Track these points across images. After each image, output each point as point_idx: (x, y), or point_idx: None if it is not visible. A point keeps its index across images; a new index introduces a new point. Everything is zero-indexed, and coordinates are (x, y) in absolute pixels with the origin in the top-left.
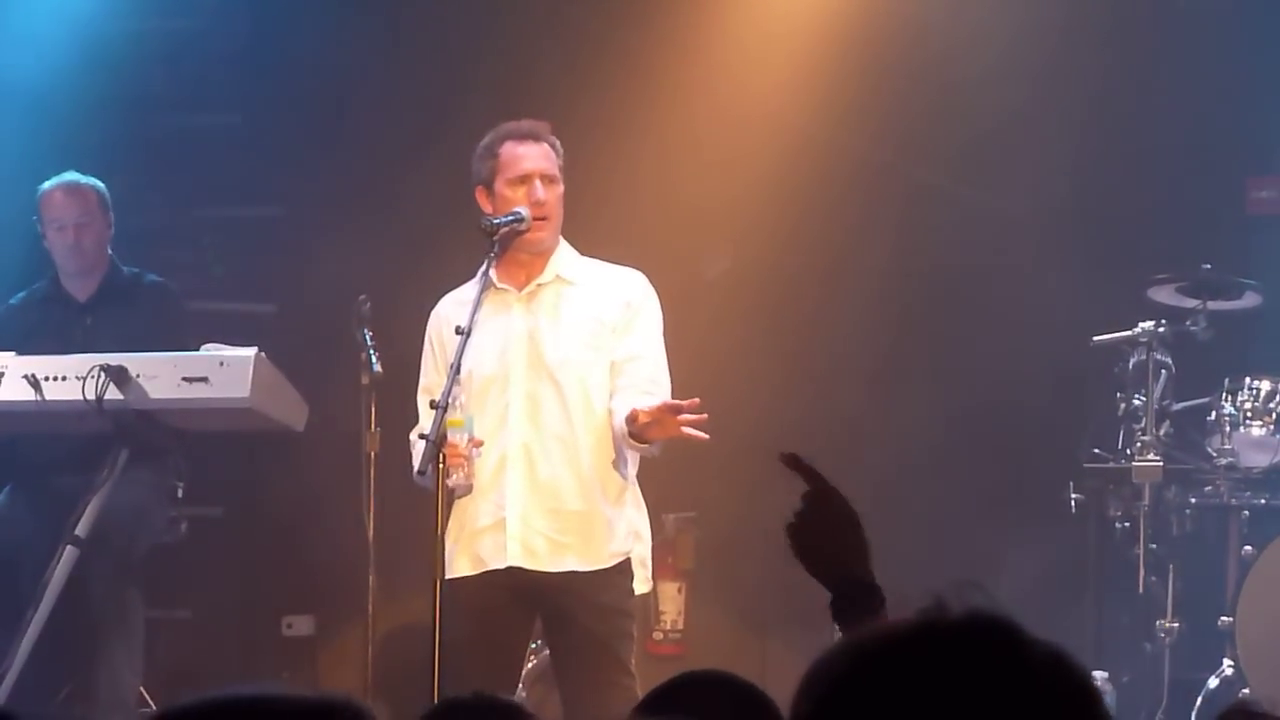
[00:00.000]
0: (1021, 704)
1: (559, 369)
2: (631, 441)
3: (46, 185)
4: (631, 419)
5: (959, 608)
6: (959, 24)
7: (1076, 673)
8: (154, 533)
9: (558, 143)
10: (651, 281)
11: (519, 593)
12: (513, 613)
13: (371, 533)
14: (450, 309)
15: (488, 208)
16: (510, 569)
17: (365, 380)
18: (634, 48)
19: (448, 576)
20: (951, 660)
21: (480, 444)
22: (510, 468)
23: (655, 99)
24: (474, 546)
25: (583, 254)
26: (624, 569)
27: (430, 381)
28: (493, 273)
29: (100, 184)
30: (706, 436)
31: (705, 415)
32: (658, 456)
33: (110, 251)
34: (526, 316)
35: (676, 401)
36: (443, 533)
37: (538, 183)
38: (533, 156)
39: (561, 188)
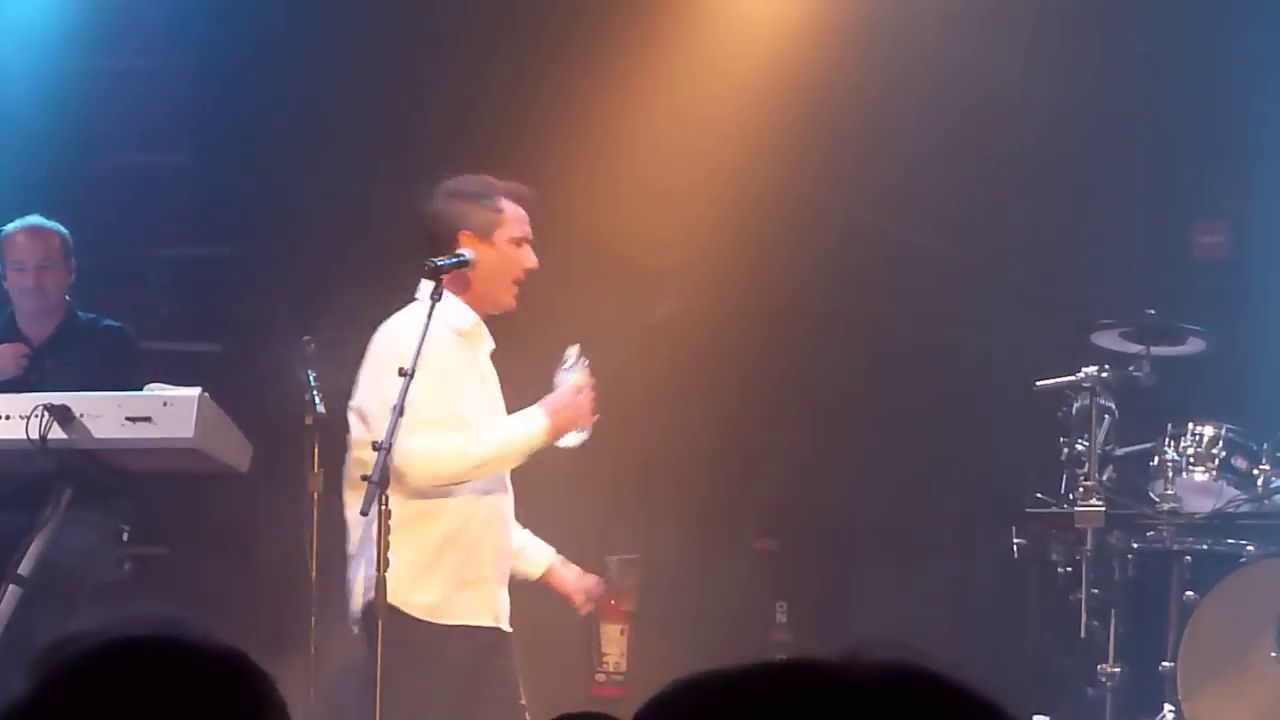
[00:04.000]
0: None
1: None
2: None
3: (9, 227)
4: None
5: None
6: (899, 68)
7: None
8: (100, 572)
9: None
10: (598, 324)
11: (502, 652)
12: (508, 672)
13: (314, 573)
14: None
15: (484, 261)
16: (494, 629)
17: (309, 421)
18: (576, 89)
19: (445, 621)
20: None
21: (589, 387)
22: (499, 525)
23: (598, 140)
24: (479, 593)
25: (526, 297)
26: None
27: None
28: (465, 314)
29: (64, 229)
30: None
31: None
32: None
33: (69, 297)
34: (491, 370)
35: None
36: (384, 571)
37: (528, 247)
38: (528, 221)
39: None
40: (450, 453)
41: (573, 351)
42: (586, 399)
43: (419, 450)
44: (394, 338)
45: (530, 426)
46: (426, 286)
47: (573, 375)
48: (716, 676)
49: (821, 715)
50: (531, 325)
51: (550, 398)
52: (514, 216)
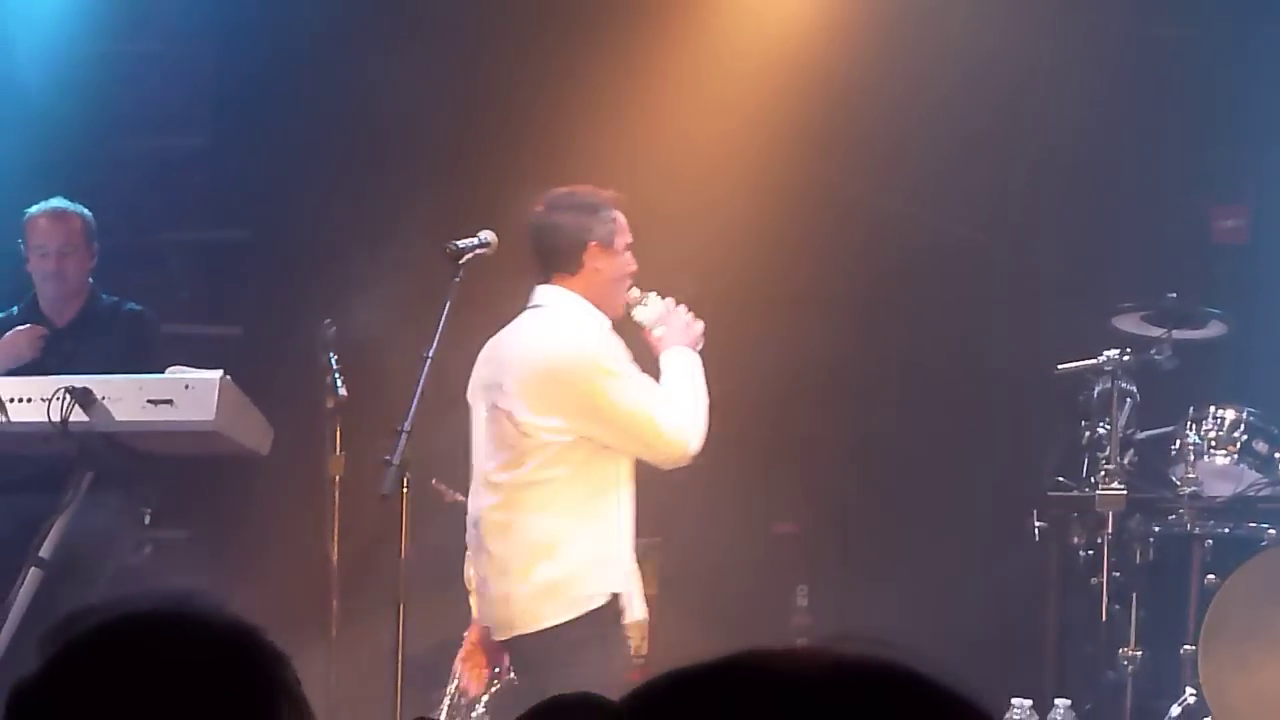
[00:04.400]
0: None
1: None
2: None
3: (32, 210)
4: None
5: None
6: (923, 53)
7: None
8: (120, 556)
9: None
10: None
11: None
12: None
13: (335, 557)
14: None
15: (609, 269)
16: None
17: (330, 404)
18: (600, 77)
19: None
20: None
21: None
22: None
23: (621, 128)
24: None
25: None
26: None
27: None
28: (606, 321)
29: (87, 212)
30: None
31: None
32: None
33: (91, 279)
34: None
35: None
36: (406, 555)
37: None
38: None
39: None
40: (693, 408)
41: (635, 292)
42: (685, 312)
43: (679, 421)
44: (592, 340)
45: (686, 358)
46: (543, 292)
47: (652, 304)
48: (590, 703)
49: (775, 712)
50: None
51: (664, 332)
52: (624, 224)
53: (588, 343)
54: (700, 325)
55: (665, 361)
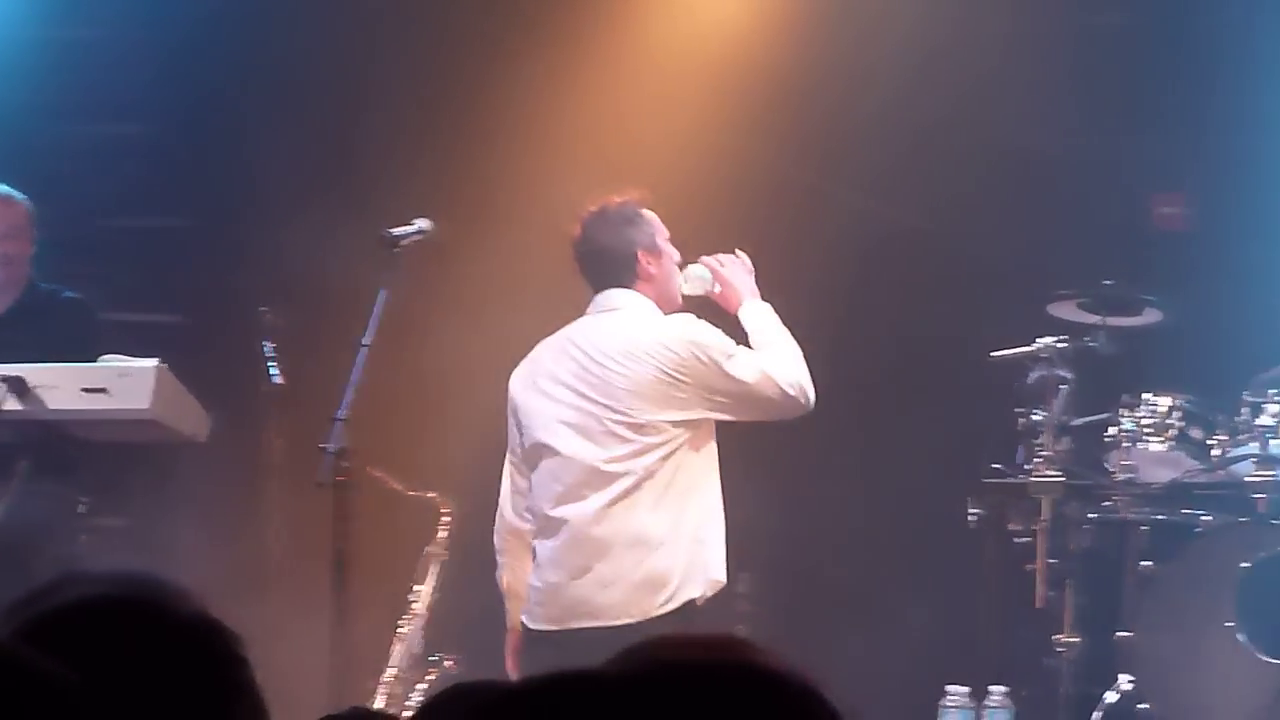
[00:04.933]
0: None
1: None
2: None
3: None
4: None
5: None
6: (867, 44)
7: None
8: (56, 544)
9: None
10: (561, 306)
11: None
12: None
13: (274, 544)
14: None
15: (661, 269)
16: None
17: (265, 390)
18: (545, 72)
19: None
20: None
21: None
22: None
23: (565, 120)
24: None
25: (503, 279)
26: None
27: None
28: (663, 307)
29: (28, 200)
30: None
31: None
32: None
33: (29, 268)
34: None
35: None
36: (343, 545)
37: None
38: None
39: None
40: (797, 356)
41: (680, 273)
42: (733, 259)
43: (794, 374)
44: (696, 330)
45: (764, 309)
46: (615, 295)
47: (695, 273)
48: (493, 687)
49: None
50: (504, 310)
51: (728, 293)
52: (658, 220)
53: (697, 334)
54: (747, 259)
55: (746, 319)
